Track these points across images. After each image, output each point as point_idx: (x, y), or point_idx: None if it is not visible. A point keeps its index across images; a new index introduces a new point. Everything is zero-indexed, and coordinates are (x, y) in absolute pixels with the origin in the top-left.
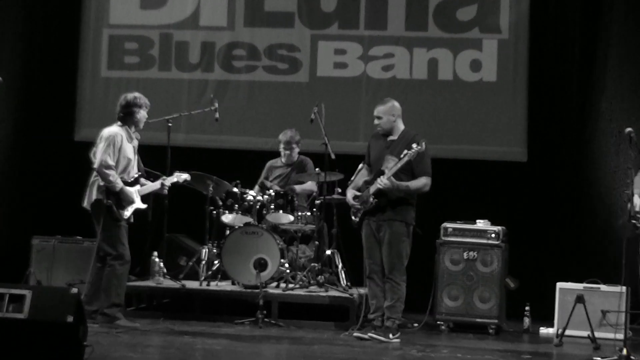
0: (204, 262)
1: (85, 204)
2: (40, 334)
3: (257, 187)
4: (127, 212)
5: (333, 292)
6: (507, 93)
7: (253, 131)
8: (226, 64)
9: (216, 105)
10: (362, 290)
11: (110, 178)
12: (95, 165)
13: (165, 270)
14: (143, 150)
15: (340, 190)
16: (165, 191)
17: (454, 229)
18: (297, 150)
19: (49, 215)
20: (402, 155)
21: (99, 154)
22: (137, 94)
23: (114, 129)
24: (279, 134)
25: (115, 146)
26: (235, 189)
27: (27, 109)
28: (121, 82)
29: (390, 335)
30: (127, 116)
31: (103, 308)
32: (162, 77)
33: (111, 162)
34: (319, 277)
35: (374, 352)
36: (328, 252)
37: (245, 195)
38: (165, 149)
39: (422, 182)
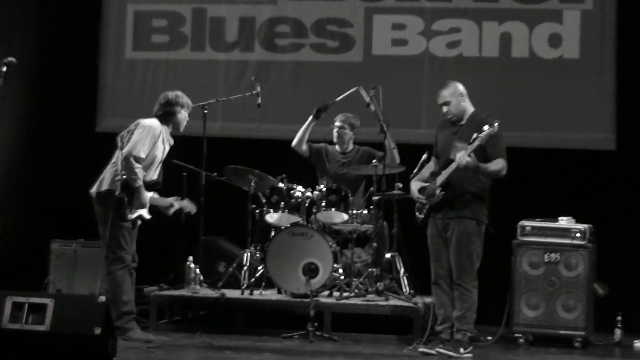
0: (245, 268)
1: (94, 190)
2: (64, 348)
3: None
4: (133, 215)
5: (394, 301)
6: (591, 72)
7: (300, 118)
8: (268, 42)
9: (258, 89)
10: (428, 299)
11: (136, 170)
12: (125, 151)
13: (201, 278)
14: (175, 142)
15: (401, 185)
16: (170, 212)
17: (533, 227)
18: (350, 135)
19: (70, 216)
20: (471, 140)
21: (133, 141)
22: (179, 93)
23: (155, 123)
24: (329, 120)
25: (152, 140)
26: (280, 184)
27: (42, 97)
28: (148, 65)
29: (462, 350)
30: (166, 115)
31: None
32: (195, 58)
33: (143, 155)
34: (378, 284)
35: None
36: (388, 255)
37: (292, 191)
38: (200, 140)
39: (500, 164)
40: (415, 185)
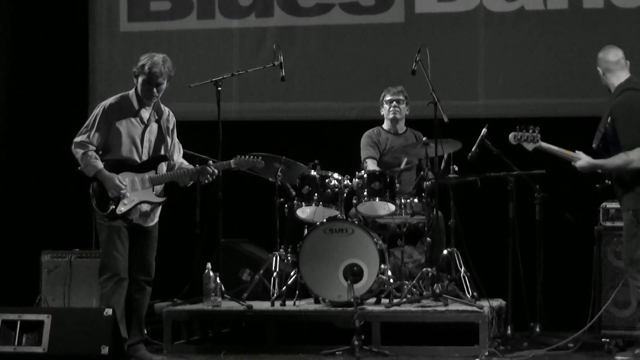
0: (275, 274)
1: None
2: None
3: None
4: (116, 206)
5: (455, 306)
6: None
7: (331, 94)
8: (290, 4)
9: (281, 59)
10: (495, 302)
11: (77, 158)
12: None
13: (223, 289)
14: (183, 128)
15: (457, 168)
16: (207, 179)
17: (618, 209)
18: (405, 111)
19: (62, 223)
20: None
21: None
22: (148, 56)
23: (111, 98)
24: (366, 95)
25: (93, 118)
26: (313, 172)
27: (23, 84)
28: (148, 38)
29: None
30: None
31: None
32: (203, 28)
33: (78, 138)
34: (435, 286)
35: None
36: (445, 252)
37: (327, 180)
38: (215, 125)
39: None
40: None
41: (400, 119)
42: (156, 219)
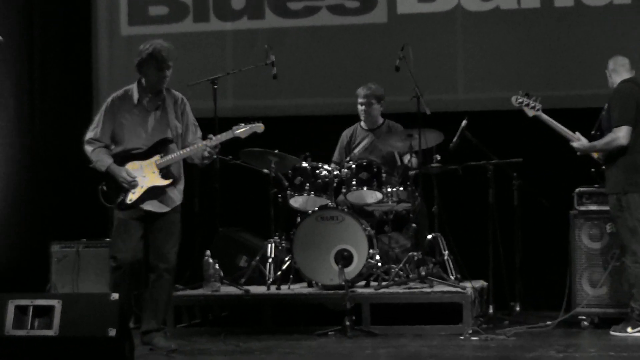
0: (270, 260)
1: None
2: (76, 353)
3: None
4: (125, 197)
5: (440, 288)
6: None
7: (320, 91)
8: (279, 7)
9: (272, 58)
10: (477, 283)
11: (89, 156)
12: None
13: (222, 274)
14: None
15: (439, 157)
16: (211, 153)
17: (592, 194)
18: (378, 109)
19: (70, 214)
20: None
21: None
22: (151, 42)
23: (113, 94)
24: (352, 91)
25: (100, 113)
26: (304, 164)
27: (32, 86)
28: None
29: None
30: (138, 70)
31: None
32: (199, 30)
33: (87, 136)
34: (420, 269)
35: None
36: (429, 237)
37: (318, 171)
38: (211, 122)
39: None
40: None
41: (372, 118)
42: (174, 204)
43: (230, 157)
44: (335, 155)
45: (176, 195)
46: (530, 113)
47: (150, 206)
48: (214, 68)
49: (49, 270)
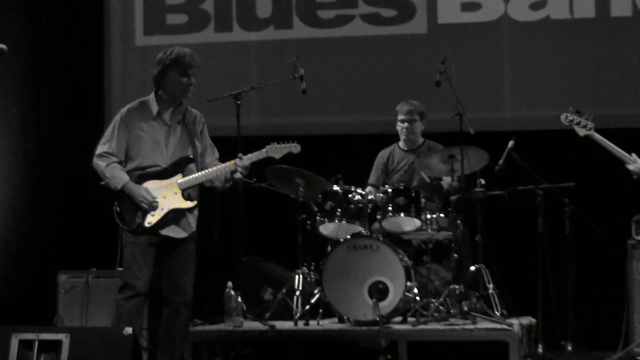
0: (298, 293)
1: None
2: None
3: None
4: (143, 219)
5: (484, 324)
6: None
7: (353, 107)
8: (309, 15)
9: (301, 71)
10: (525, 320)
11: (101, 171)
12: None
13: (245, 308)
14: None
15: (483, 181)
16: (241, 173)
17: None
18: (420, 127)
19: (80, 240)
20: None
21: None
22: (172, 49)
23: (128, 105)
24: (388, 108)
25: (113, 126)
26: (336, 187)
27: (37, 102)
28: None
29: None
30: (156, 81)
31: None
32: (221, 41)
33: (100, 149)
34: (462, 303)
35: None
36: (472, 268)
37: (350, 195)
38: (234, 141)
39: None
40: None
41: (413, 137)
42: (191, 230)
43: (255, 179)
44: (372, 178)
45: (192, 221)
46: (582, 132)
47: (169, 231)
48: (237, 82)
49: (56, 301)
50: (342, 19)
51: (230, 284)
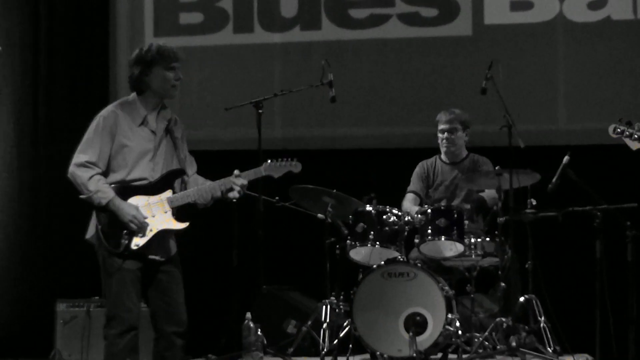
0: (325, 325)
1: (87, 235)
2: None
3: (407, 205)
4: (130, 241)
5: None
6: None
7: (388, 118)
8: (339, 14)
9: (330, 77)
10: (581, 357)
11: (81, 182)
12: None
13: (265, 342)
14: (216, 158)
15: (534, 202)
16: (236, 194)
17: None
18: (463, 138)
19: (79, 266)
20: None
21: None
22: (147, 45)
23: (109, 107)
24: (427, 119)
25: (95, 132)
26: (368, 207)
27: (35, 102)
28: None
29: None
30: (135, 83)
31: None
32: (241, 42)
33: (82, 159)
34: (510, 338)
35: None
36: (522, 299)
37: (385, 217)
38: (255, 155)
39: None
40: None
41: (455, 149)
42: (174, 250)
43: (277, 198)
44: (413, 186)
45: (174, 243)
46: (634, 146)
47: (157, 253)
48: (258, 89)
49: (54, 333)
50: (377, 18)
51: (249, 315)
